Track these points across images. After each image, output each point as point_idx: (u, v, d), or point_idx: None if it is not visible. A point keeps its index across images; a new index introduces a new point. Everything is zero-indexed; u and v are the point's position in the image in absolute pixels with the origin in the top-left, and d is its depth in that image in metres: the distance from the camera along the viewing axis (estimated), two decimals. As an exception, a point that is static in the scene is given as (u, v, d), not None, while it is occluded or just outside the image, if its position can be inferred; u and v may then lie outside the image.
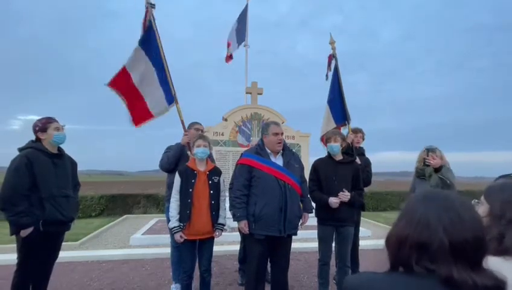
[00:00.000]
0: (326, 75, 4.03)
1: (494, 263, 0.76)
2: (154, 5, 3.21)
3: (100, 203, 8.73)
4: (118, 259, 4.24)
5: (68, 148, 2.52)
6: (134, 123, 3.33)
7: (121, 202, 9.05)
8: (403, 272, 0.70)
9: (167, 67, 3.23)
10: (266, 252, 2.50)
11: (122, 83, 3.19)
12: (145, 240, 5.22)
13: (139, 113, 3.31)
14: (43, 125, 2.30)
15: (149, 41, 3.23)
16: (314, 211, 2.86)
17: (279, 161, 2.56)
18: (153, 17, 3.21)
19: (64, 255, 4.07)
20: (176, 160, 2.98)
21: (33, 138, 2.34)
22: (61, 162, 2.41)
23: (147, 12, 3.22)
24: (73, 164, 2.57)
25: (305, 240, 4.85)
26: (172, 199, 2.55)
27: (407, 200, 0.78)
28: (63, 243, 2.60)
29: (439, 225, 0.66)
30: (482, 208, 0.96)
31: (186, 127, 3.31)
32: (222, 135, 6.50)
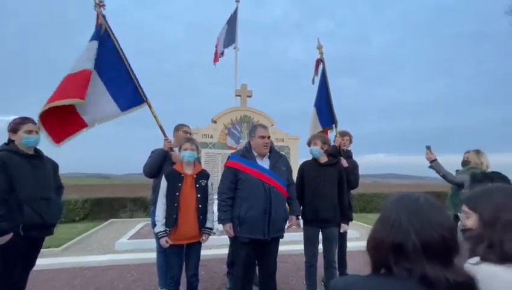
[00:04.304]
0: (313, 79, 4.09)
1: (496, 273, 0.77)
2: (103, 2, 2.92)
3: (84, 208, 8.46)
4: (102, 265, 4.11)
5: (50, 150, 2.41)
6: (55, 141, 2.73)
7: (106, 206, 8.80)
8: (384, 273, 0.73)
9: (131, 70, 3.02)
10: (252, 255, 2.49)
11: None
12: (132, 244, 5.09)
13: (62, 128, 2.77)
14: (14, 126, 2.19)
15: (103, 47, 2.93)
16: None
17: (265, 163, 2.57)
18: (104, 18, 2.94)
19: (44, 262, 3.91)
20: (157, 166, 2.92)
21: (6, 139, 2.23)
22: (40, 163, 2.30)
23: (98, 15, 2.94)
24: (55, 166, 2.46)
25: (294, 242, 4.86)
26: (158, 203, 2.50)
27: (385, 203, 0.82)
28: (44, 250, 2.49)
29: (410, 227, 0.71)
30: (470, 221, 0.94)
31: (173, 129, 3.26)
32: (211, 137, 6.45)
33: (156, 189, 2.86)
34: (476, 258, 0.87)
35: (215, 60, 8.59)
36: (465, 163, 3.40)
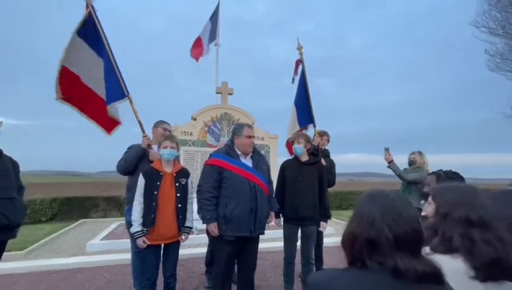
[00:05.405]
0: (293, 79, 4.15)
1: (441, 261, 0.83)
2: None
3: (52, 207, 7.93)
4: (72, 268, 3.89)
5: (18, 146, 2.20)
6: (106, 131, 3.11)
7: (77, 206, 8.32)
8: (359, 267, 0.76)
9: (115, 62, 2.99)
10: (235, 252, 2.49)
11: (72, 88, 2.88)
12: (104, 245, 4.87)
13: (106, 117, 3.06)
14: None
15: (91, 36, 2.96)
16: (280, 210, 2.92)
17: (248, 162, 2.58)
18: (93, 8, 2.93)
19: (5, 266, 3.63)
20: (134, 163, 2.81)
21: None
22: (1, 161, 2.15)
23: (87, 5, 2.93)
24: (15, 165, 2.30)
25: (273, 239, 4.93)
26: (135, 202, 2.41)
27: (358, 200, 0.85)
28: (5, 253, 2.32)
29: (383, 223, 0.75)
30: (429, 208, 1.03)
31: (152, 125, 3.16)
32: (191, 134, 6.33)
33: (130, 187, 2.75)
34: (427, 249, 0.93)
35: (197, 55, 8.39)
36: (411, 163, 3.88)
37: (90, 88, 2.99)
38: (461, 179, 2.16)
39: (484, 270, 0.83)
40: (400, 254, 0.72)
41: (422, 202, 1.09)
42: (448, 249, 0.89)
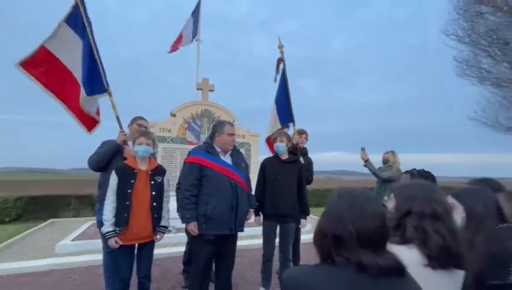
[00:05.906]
0: (275, 78, 4.19)
1: (399, 252, 0.89)
2: None
3: (16, 207, 7.40)
4: (39, 270, 3.67)
5: None
6: (87, 129, 2.95)
7: (46, 205, 7.83)
8: (330, 263, 0.79)
9: (98, 54, 2.86)
10: (215, 251, 2.47)
11: (51, 76, 2.73)
12: (75, 246, 4.63)
13: (86, 114, 2.89)
14: None
15: (79, 26, 2.85)
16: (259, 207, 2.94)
17: (228, 160, 2.57)
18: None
19: (-39, 271, 3.35)
20: (106, 158, 2.69)
21: None
22: None
23: None
24: None
25: (251, 237, 4.96)
26: (107, 201, 2.31)
27: (330, 198, 0.87)
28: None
29: (347, 219, 0.77)
30: (391, 204, 1.10)
31: (129, 121, 3.04)
32: (169, 131, 6.18)
33: (103, 185, 2.63)
34: None
35: (173, 50, 8.31)
36: (385, 161, 4.15)
37: (80, 86, 2.85)
38: (432, 177, 2.30)
39: (436, 259, 0.90)
40: (363, 250, 0.74)
41: (386, 197, 1.16)
42: (403, 240, 0.96)
